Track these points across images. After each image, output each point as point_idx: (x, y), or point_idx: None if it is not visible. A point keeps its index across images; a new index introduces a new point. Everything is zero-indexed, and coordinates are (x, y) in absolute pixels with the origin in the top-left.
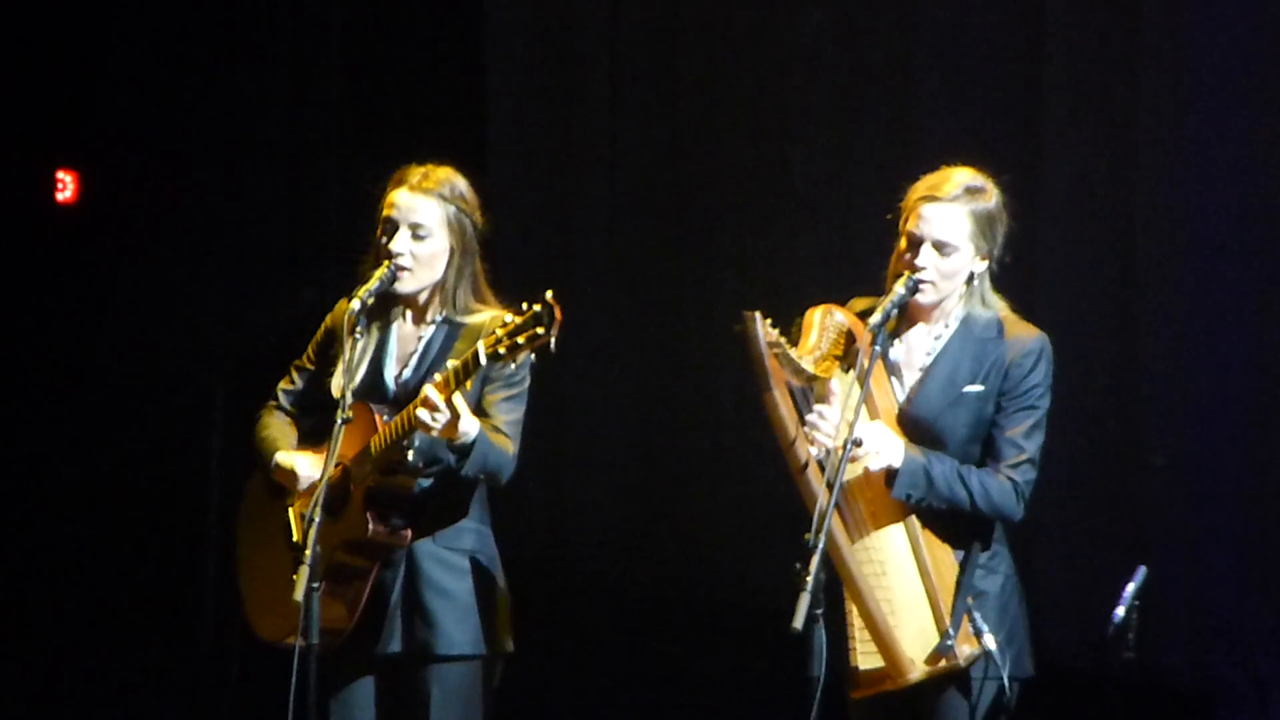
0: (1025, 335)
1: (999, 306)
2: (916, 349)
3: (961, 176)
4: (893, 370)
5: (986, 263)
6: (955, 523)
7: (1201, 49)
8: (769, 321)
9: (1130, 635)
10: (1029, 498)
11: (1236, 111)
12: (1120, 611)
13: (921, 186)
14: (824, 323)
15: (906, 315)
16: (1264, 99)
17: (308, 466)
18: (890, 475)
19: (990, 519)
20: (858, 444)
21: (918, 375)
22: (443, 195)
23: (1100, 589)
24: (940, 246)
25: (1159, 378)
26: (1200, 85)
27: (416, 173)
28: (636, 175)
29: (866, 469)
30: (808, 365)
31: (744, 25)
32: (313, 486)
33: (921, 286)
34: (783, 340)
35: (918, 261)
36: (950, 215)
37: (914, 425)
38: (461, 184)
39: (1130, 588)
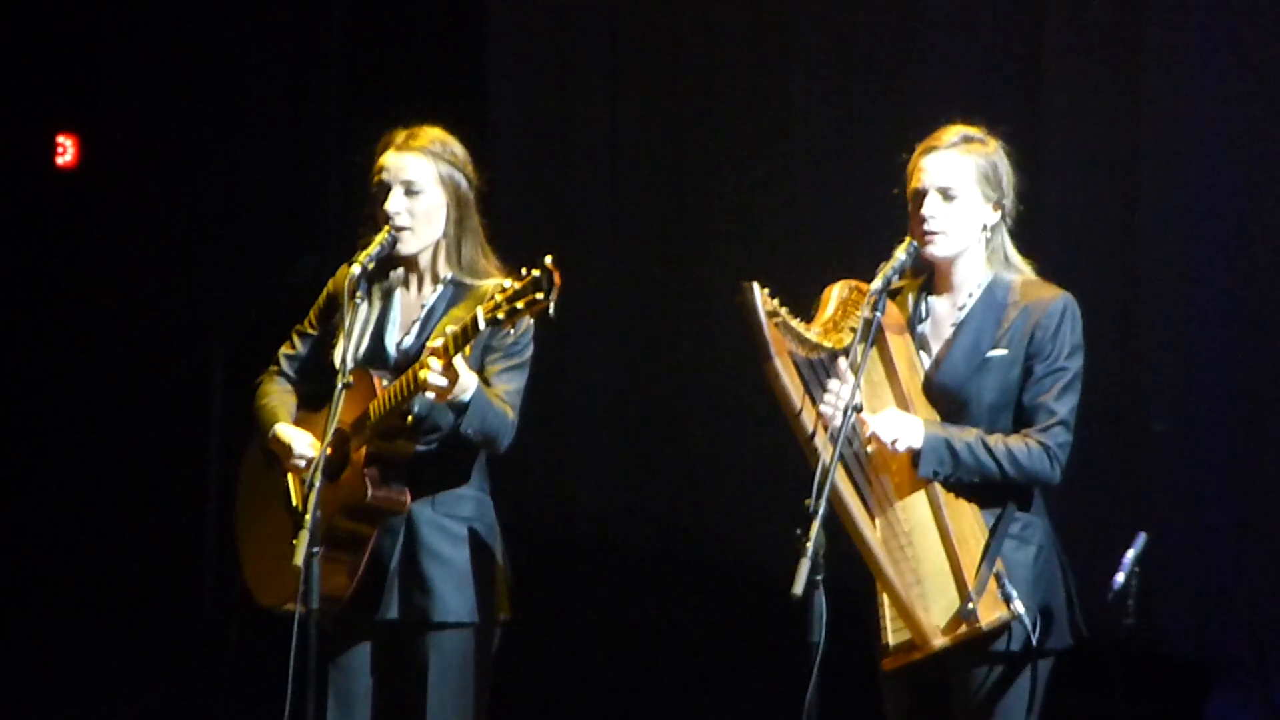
0: (1047, 296)
1: (1024, 269)
2: (943, 320)
3: (959, 128)
4: (921, 344)
5: (999, 214)
6: (985, 491)
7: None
8: (767, 291)
9: (1130, 602)
10: (1065, 460)
11: (1237, 68)
12: (1120, 578)
13: (920, 146)
14: (841, 296)
15: (933, 288)
16: (1265, 41)
17: (304, 445)
18: (915, 456)
19: (1025, 486)
20: (858, 410)
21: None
22: (431, 152)
23: (1100, 556)
24: (944, 191)
25: (1158, 344)
26: (1204, 42)
27: (402, 134)
28: (638, 139)
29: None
30: (812, 335)
31: None
32: (304, 464)
33: (933, 238)
34: (782, 310)
35: (924, 211)
36: (951, 160)
37: (940, 393)
38: (449, 140)
39: (1130, 554)
